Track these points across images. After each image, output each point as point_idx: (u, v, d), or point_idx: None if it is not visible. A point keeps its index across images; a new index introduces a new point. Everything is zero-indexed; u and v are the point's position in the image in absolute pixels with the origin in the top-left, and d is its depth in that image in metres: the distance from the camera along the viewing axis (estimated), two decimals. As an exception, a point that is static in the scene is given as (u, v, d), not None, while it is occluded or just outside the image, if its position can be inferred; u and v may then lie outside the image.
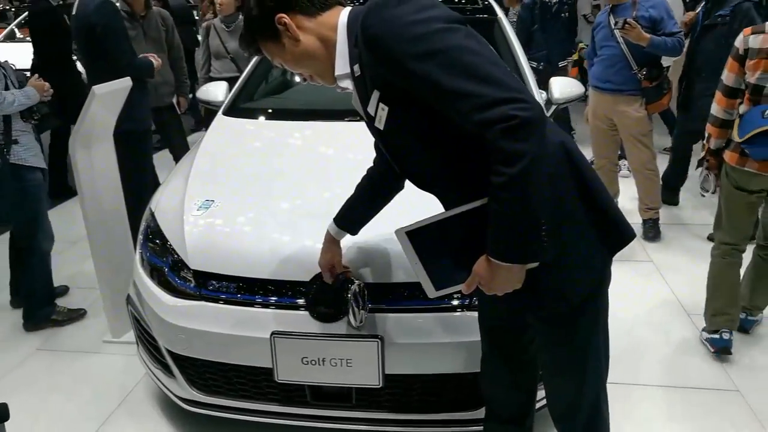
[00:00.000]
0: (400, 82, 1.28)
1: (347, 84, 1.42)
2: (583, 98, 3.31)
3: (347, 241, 1.99)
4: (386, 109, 1.34)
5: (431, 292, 1.39)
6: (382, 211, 1.90)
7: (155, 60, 3.53)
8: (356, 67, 1.37)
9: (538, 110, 1.19)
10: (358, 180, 2.33)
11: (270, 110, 2.99)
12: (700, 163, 2.80)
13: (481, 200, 1.30)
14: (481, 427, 1.90)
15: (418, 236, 1.35)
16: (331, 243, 1.86)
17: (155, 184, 3.95)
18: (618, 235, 1.44)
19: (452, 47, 1.21)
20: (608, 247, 1.44)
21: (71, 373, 2.73)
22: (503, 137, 1.16)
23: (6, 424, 1.51)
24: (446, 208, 1.49)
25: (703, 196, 2.85)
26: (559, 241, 1.33)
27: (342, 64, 1.39)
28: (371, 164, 2.43)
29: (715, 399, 2.45)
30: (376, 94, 1.35)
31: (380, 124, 1.38)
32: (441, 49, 1.20)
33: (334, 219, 1.85)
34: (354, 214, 1.84)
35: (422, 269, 1.37)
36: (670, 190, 4.40)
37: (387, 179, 1.77)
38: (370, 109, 1.38)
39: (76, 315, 3.15)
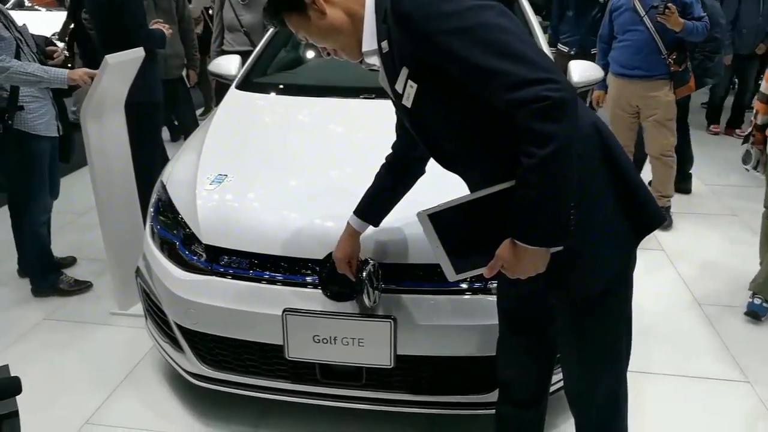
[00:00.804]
0: (430, 59, 1.26)
1: (374, 60, 1.39)
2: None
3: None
4: (415, 86, 1.32)
5: (452, 275, 1.37)
6: None
7: (166, 30, 3.48)
8: (384, 44, 1.34)
9: (570, 91, 1.16)
10: (373, 158, 2.29)
11: (284, 85, 2.94)
12: (746, 139, 2.92)
13: (507, 183, 1.27)
14: (492, 411, 1.89)
15: (439, 219, 1.33)
16: (352, 236, 1.81)
17: (164, 158, 3.93)
18: (647, 218, 1.41)
19: (484, 24, 1.18)
20: (637, 230, 1.40)
21: (78, 345, 2.73)
22: (535, 118, 1.14)
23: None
24: (470, 188, 1.47)
25: (747, 170, 2.95)
26: (586, 224, 1.30)
27: (370, 40, 1.36)
28: (386, 144, 2.40)
29: (725, 390, 2.43)
30: (404, 71, 1.32)
31: (408, 102, 1.35)
32: (472, 26, 1.18)
33: (355, 212, 1.80)
34: (375, 205, 1.79)
35: (443, 253, 1.35)
36: (682, 174, 4.31)
37: (407, 165, 1.74)
38: (398, 87, 1.36)
39: (83, 286, 3.14)
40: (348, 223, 1.81)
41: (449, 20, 1.19)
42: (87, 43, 4.94)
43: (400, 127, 1.70)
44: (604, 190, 1.35)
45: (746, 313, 2.89)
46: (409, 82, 1.32)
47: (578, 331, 1.49)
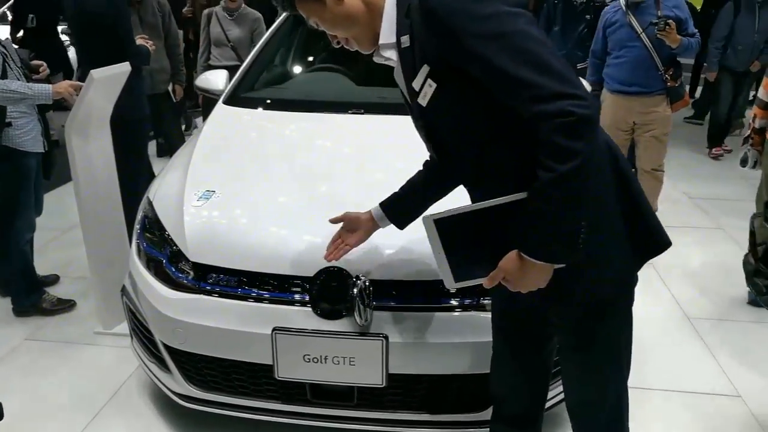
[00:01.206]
0: (455, 59, 1.23)
1: (391, 54, 1.36)
2: None
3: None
4: (434, 86, 1.29)
5: (451, 284, 1.35)
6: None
7: (149, 46, 3.45)
8: (405, 39, 1.31)
9: (594, 108, 1.16)
10: (362, 172, 2.29)
11: (272, 100, 2.92)
12: (745, 141, 3.08)
13: (519, 194, 1.25)
14: (487, 429, 1.86)
15: (445, 225, 1.31)
16: (367, 227, 1.73)
17: (150, 174, 3.89)
18: (653, 241, 1.40)
19: (517, 32, 1.17)
20: (641, 252, 1.39)
21: (60, 365, 2.66)
22: (559, 132, 1.14)
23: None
24: (472, 195, 1.44)
25: (743, 167, 3.12)
26: (593, 241, 1.28)
27: (388, 32, 1.34)
28: (374, 158, 2.38)
29: (717, 404, 2.43)
30: (425, 69, 1.29)
31: (423, 101, 1.32)
32: (507, 32, 1.17)
33: (382, 204, 1.72)
34: (406, 204, 1.71)
35: (445, 260, 1.33)
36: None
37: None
38: (416, 84, 1.32)
39: (66, 305, 3.07)
40: (370, 212, 1.73)
41: (483, 23, 1.17)
42: (36, 54, 4.90)
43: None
44: (612, 209, 1.35)
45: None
46: (429, 81, 1.29)
47: (579, 343, 1.47)
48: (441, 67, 1.27)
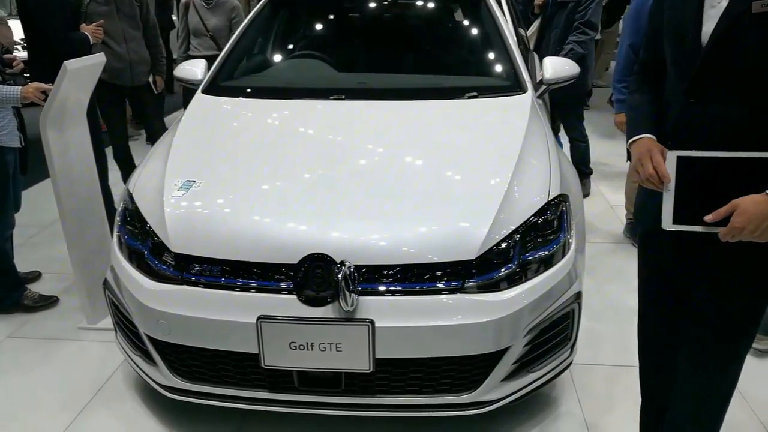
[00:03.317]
0: None
1: None
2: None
3: (336, 222, 1.93)
4: None
5: (668, 223, 1.34)
6: (368, 198, 1.91)
7: (92, 35, 3.41)
8: None
9: None
10: (343, 158, 2.27)
11: (251, 88, 2.88)
12: None
13: None
14: (474, 411, 1.86)
15: (687, 164, 1.30)
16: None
17: (125, 163, 3.87)
18: None
19: None
20: None
21: (44, 362, 2.63)
22: None
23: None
24: (725, 132, 1.34)
25: None
26: None
27: None
28: (356, 144, 2.36)
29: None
30: None
31: (759, 9, 1.25)
32: None
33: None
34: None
35: (671, 197, 1.33)
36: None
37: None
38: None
39: (49, 302, 3.04)
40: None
41: None
42: None
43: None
44: None
45: None
46: None
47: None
48: None
